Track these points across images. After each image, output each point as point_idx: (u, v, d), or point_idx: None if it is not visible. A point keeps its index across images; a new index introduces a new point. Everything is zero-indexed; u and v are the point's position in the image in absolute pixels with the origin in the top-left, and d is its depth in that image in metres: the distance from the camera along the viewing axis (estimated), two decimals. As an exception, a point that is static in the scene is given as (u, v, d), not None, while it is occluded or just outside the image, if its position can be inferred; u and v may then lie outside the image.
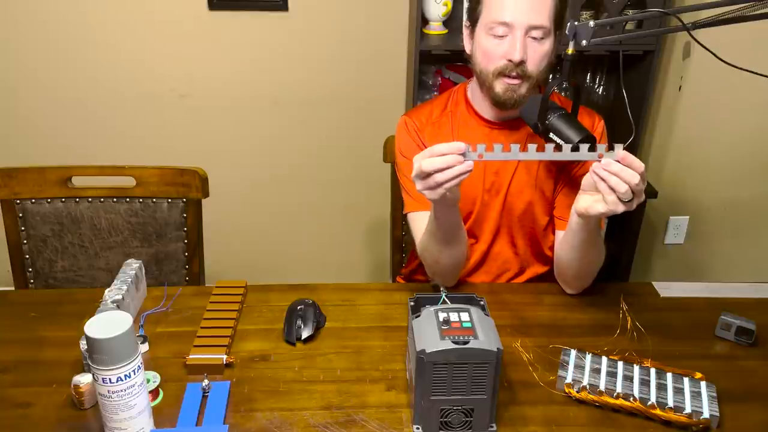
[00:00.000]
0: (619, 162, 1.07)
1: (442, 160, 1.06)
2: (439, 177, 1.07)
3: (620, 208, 1.09)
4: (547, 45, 1.27)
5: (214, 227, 1.93)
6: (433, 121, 1.42)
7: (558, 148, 1.10)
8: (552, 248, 1.45)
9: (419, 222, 1.36)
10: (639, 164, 1.07)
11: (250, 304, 1.30)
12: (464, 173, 1.07)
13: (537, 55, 1.26)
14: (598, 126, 1.41)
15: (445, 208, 1.21)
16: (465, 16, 1.36)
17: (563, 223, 1.39)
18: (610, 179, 1.07)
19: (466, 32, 1.35)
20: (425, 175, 1.08)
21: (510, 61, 1.25)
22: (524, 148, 1.09)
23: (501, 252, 1.46)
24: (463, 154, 1.07)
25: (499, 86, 1.29)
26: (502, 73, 1.27)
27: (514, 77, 1.27)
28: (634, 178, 1.05)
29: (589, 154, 1.09)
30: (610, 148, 1.08)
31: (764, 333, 1.21)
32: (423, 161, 1.07)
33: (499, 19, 1.24)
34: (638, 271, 2.69)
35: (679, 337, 1.22)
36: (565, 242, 1.30)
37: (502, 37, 1.25)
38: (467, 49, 1.36)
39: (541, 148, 1.09)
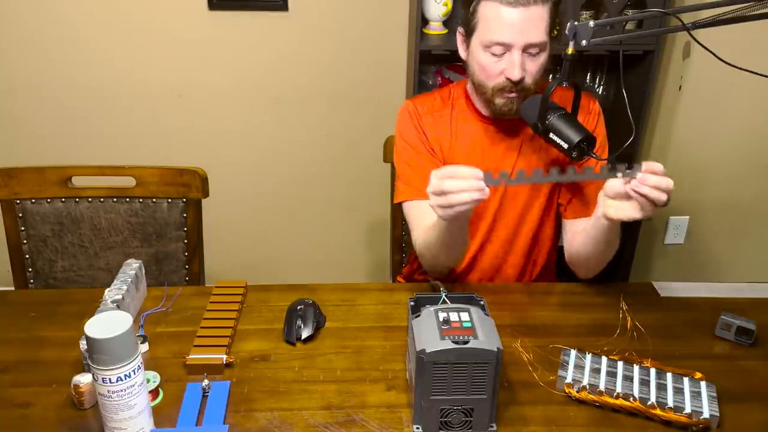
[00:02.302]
0: (648, 174, 1.10)
1: (464, 183, 1.07)
2: (454, 198, 1.07)
3: (656, 212, 1.14)
4: (543, 57, 1.28)
5: (214, 227, 1.93)
6: (434, 111, 1.42)
7: (580, 167, 1.14)
8: (550, 241, 1.47)
9: (417, 211, 1.37)
10: (659, 166, 1.11)
11: (250, 304, 1.30)
12: (479, 199, 1.08)
13: (534, 68, 1.27)
14: (593, 108, 1.43)
15: (456, 222, 1.20)
16: (459, 21, 1.35)
17: (570, 211, 1.43)
18: (651, 193, 1.10)
19: (459, 38, 1.35)
20: (441, 193, 1.09)
21: (509, 79, 1.26)
22: (547, 170, 1.12)
23: (497, 250, 1.47)
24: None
25: (499, 100, 1.31)
26: (501, 90, 1.29)
27: (513, 92, 1.28)
28: (670, 184, 1.10)
29: (609, 174, 1.13)
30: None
31: (764, 333, 1.21)
32: (444, 182, 1.08)
33: (496, 39, 1.24)
34: (638, 271, 2.69)
35: (679, 337, 1.22)
36: (587, 239, 1.32)
37: (500, 54, 1.26)
38: (462, 54, 1.36)
39: (562, 170, 1.12)
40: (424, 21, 2.12)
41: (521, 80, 1.25)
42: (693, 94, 2.40)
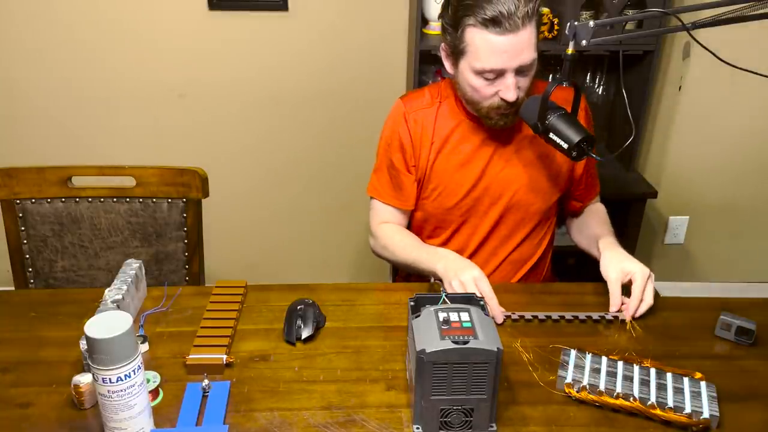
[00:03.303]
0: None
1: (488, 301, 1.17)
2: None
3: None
4: (533, 70, 1.28)
5: (214, 227, 1.93)
6: (422, 107, 1.42)
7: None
8: (548, 232, 1.53)
9: (378, 209, 1.52)
10: (638, 291, 1.23)
11: (250, 304, 1.30)
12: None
13: (526, 84, 1.28)
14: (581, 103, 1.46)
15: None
16: (442, 37, 1.34)
17: (575, 209, 1.54)
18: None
19: (444, 53, 1.34)
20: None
21: (504, 100, 1.27)
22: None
23: (494, 248, 1.48)
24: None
25: (494, 115, 1.32)
26: (497, 108, 1.29)
27: (508, 110, 1.29)
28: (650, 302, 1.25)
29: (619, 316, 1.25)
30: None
31: (764, 333, 1.21)
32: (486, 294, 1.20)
33: (488, 67, 1.23)
34: (638, 271, 2.69)
35: (679, 337, 1.22)
36: (585, 247, 1.46)
37: (492, 78, 1.26)
38: (448, 69, 1.35)
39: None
40: (424, 21, 2.12)
41: (516, 99, 1.27)
42: (693, 94, 2.40)
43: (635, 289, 1.22)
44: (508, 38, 1.20)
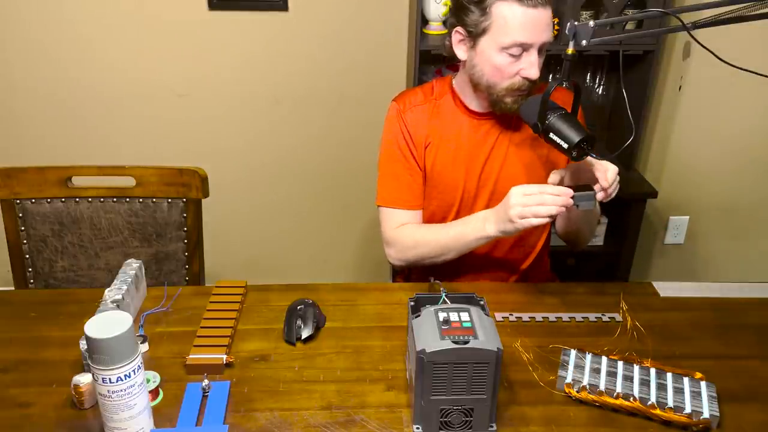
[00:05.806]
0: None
1: (558, 199, 1.17)
2: (542, 210, 1.18)
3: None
4: (545, 54, 1.30)
5: (214, 227, 1.93)
6: (415, 105, 1.43)
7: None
8: (545, 231, 1.52)
9: (393, 218, 1.44)
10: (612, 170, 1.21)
11: (250, 304, 1.30)
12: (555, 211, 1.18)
13: (541, 65, 1.29)
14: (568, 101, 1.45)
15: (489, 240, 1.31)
16: (453, 21, 1.33)
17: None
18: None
19: (457, 37, 1.34)
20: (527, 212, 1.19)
21: (526, 78, 1.27)
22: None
23: (494, 247, 1.48)
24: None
25: (510, 99, 1.31)
26: (516, 89, 1.29)
27: (524, 90, 1.30)
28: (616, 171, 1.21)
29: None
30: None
31: (764, 333, 1.21)
32: (535, 205, 1.18)
33: (519, 40, 1.24)
34: (638, 271, 2.69)
35: (679, 337, 1.22)
36: (568, 225, 1.46)
37: (517, 54, 1.26)
38: (461, 55, 1.35)
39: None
40: (424, 21, 2.12)
41: (536, 79, 1.28)
42: (693, 94, 2.40)
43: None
44: (539, 11, 1.22)
